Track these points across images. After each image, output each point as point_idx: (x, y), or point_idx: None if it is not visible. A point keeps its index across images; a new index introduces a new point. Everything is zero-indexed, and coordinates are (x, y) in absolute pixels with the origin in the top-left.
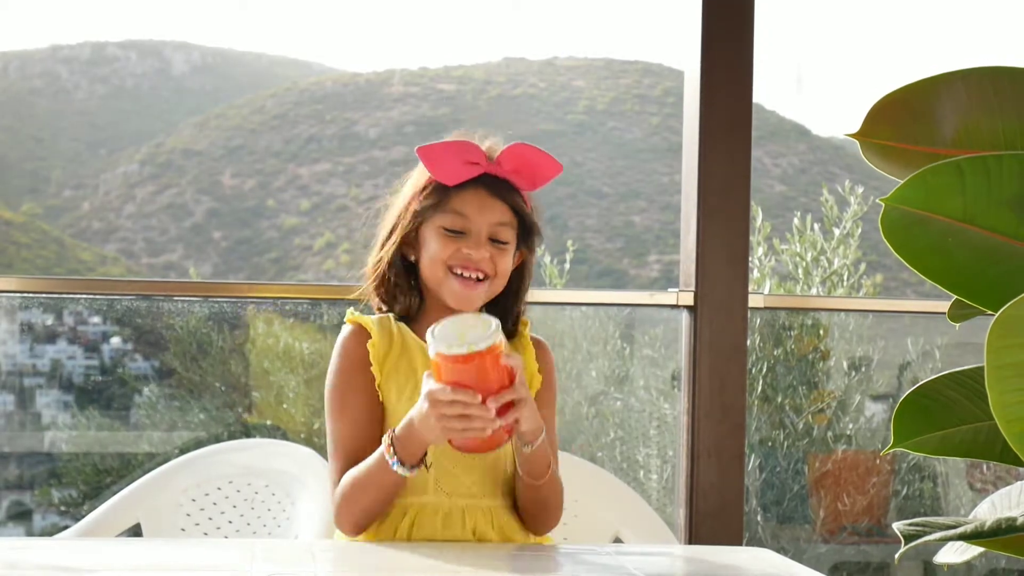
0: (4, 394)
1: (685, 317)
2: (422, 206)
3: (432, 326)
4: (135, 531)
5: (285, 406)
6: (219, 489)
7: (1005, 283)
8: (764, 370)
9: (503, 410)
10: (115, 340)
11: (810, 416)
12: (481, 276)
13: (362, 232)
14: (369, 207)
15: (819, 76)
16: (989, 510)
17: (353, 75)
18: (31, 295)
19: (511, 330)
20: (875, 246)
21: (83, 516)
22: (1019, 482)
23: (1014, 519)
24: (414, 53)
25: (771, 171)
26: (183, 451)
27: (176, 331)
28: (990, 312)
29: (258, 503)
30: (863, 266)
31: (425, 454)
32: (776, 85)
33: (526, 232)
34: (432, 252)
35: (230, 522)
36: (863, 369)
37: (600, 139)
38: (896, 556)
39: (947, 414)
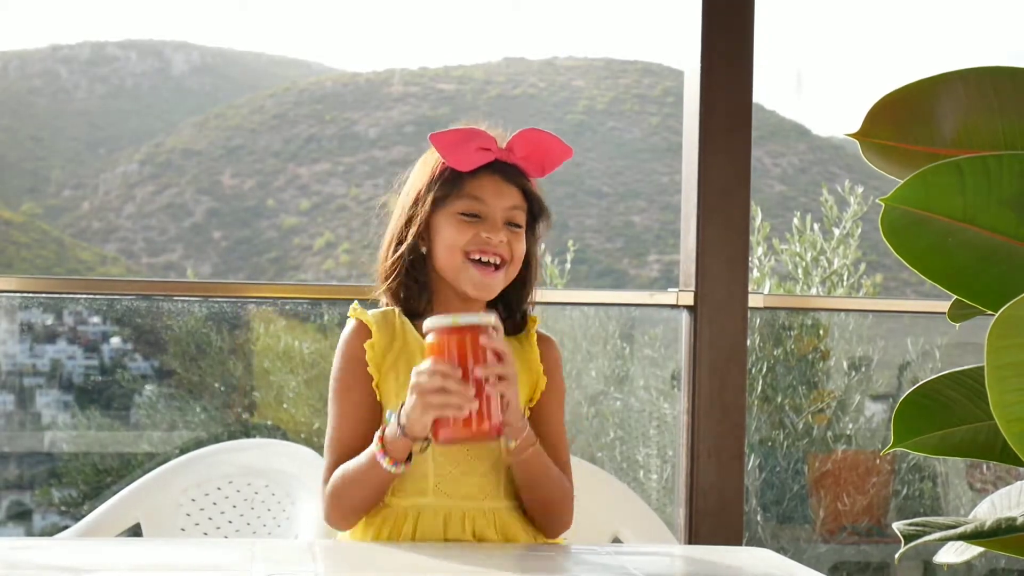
0: (4, 394)
1: (685, 317)
2: (438, 193)
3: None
4: (135, 531)
5: (285, 406)
6: (219, 489)
7: (1005, 283)
8: (764, 370)
9: (493, 384)
10: (115, 340)
11: (810, 416)
12: (499, 262)
13: (362, 232)
14: (369, 207)
15: (819, 76)
16: (989, 510)
17: (353, 75)
18: (31, 295)
19: (519, 323)
20: (875, 246)
21: (83, 516)
22: (1019, 482)
23: (1014, 519)
24: (414, 53)
25: (771, 171)
26: (183, 451)
27: (176, 331)
28: (990, 312)
29: (258, 503)
30: (863, 266)
31: (421, 441)
32: (776, 85)
33: (534, 218)
34: (449, 239)
35: (230, 522)
36: (863, 369)
37: (600, 139)
38: (896, 556)
39: (947, 414)
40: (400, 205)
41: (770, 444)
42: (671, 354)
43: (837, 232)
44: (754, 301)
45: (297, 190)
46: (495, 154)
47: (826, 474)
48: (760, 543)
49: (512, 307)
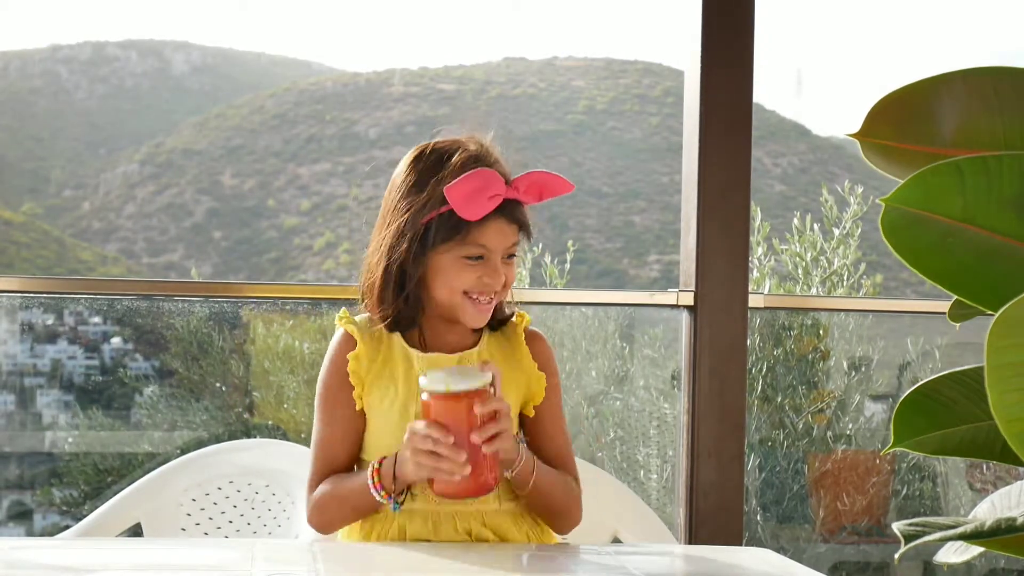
0: (5, 394)
1: (685, 317)
2: (442, 236)
3: (428, 371)
4: (136, 531)
5: (285, 406)
6: (219, 489)
7: (1005, 283)
8: (764, 370)
9: (487, 442)
10: (115, 340)
11: (810, 416)
12: (494, 296)
13: (362, 232)
14: (369, 207)
15: (819, 76)
16: (989, 510)
17: (353, 75)
18: (31, 295)
19: (503, 319)
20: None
21: (84, 516)
22: (1019, 482)
23: (1014, 519)
24: (414, 53)
25: (771, 171)
26: (184, 451)
27: (176, 331)
28: (990, 312)
29: (258, 503)
30: (863, 266)
31: (407, 488)
32: (776, 85)
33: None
34: (452, 280)
35: (230, 522)
36: (863, 369)
37: (600, 139)
38: (896, 556)
39: (947, 414)
40: (391, 223)
41: (770, 444)
42: (671, 354)
43: (837, 232)
44: (754, 301)
45: (297, 190)
46: (503, 197)
47: (826, 474)
48: (760, 543)
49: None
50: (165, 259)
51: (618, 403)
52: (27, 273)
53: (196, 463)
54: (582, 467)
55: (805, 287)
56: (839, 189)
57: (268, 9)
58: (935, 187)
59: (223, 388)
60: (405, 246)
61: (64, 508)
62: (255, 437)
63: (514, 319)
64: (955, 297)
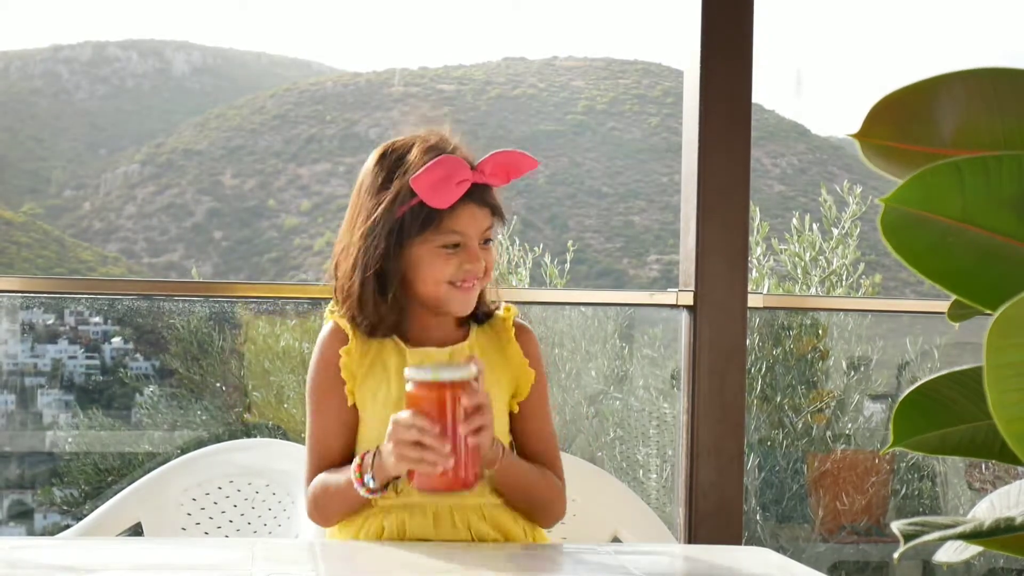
0: (5, 394)
1: (685, 317)
2: (415, 230)
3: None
4: (136, 530)
5: (285, 406)
6: (219, 489)
7: (1005, 283)
8: (763, 370)
9: (471, 434)
10: (116, 340)
11: (809, 416)
12: (477, 281)
13: None
14: None
15: (819, 76)
16: (988, 509)
17: (353, 75)
18: (32, 295)
19: (489, 311)
20: (874, 246)
21: (84, 516)
22: (1018, 481)
23: (1013, 519)
24: (414, 53)
25: (770, 171)
26: (184, 451)
27: (177, 331)
28: (990, 312)
29: (258, 503)
30: (862, 266)
31: (394, 479)
32: (776, 85)
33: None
34: (434, 273)
35: (230, 522)
36: (862, 369)
37: (600, 139)
38: (895, 555)
39: (946, 414)
40: (360, 224)
41: (769, 444)
42: (671, 354)
43: (836, 232)
44: (753, 301)
45: (298, 190)
46: (470, 181)
47: (825, 474)
48: (759, 543)
49: (479, 298)
50: (165, 259)
51: (618, 403)
52: (28, 273)
53: (196, 463)
54: (582, 467)
55: (804, 287)
56: (838, 189)
57: (268, 9)
58: (934, 187)
59: (223, 388)
60: (381, 245)
61: (64, 508)
62: (255, 437)
63: (500, 312)
64: (954, 297)
